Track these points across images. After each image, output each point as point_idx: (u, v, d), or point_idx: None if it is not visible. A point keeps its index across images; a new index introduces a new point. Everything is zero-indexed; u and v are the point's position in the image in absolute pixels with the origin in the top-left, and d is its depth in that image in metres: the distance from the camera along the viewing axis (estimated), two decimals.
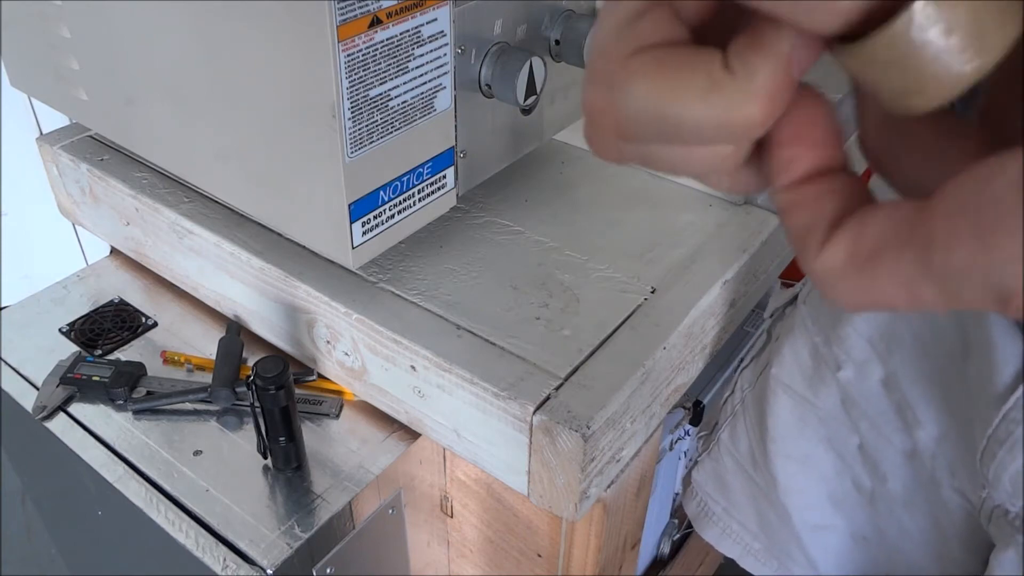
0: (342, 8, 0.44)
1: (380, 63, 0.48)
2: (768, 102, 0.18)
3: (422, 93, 0.52)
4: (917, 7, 0.15)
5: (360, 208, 0.51)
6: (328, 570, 0.61)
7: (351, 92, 0.47)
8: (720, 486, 0.69)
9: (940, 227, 0.16)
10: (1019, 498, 0.45)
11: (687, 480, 0.73)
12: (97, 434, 0.65)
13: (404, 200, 0.55)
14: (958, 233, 0.16)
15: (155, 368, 0.70)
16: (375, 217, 0.53)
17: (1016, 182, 0.15)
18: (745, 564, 0.68)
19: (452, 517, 0.74)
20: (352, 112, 0.47)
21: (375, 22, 0.46)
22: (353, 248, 0.53)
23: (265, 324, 0.69)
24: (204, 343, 0.73)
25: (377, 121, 0.49)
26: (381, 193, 0.53)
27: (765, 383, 0.62)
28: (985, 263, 0.16)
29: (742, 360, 0.70)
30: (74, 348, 0.72)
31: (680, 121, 0.19)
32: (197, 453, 0.63)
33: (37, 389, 0.68)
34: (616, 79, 0.20)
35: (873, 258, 0.18)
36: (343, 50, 0.45)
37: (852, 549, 0.61)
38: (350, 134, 0.48)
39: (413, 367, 0.57)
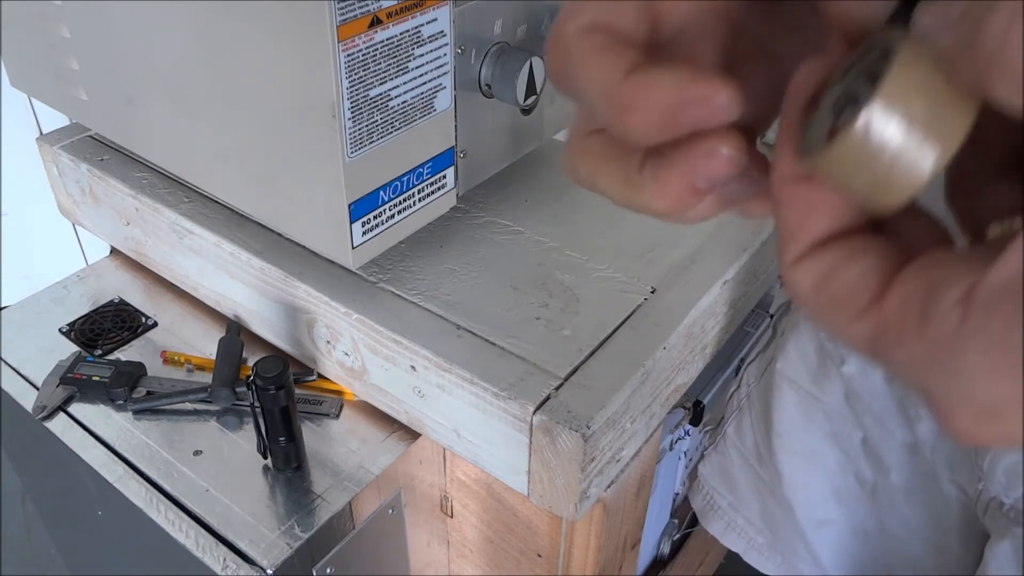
0: (342, 8, 0.44)
1: (380, 63, 0.48)
2: (673, 203, 0.20)
3: (422, 93, 0.52)
4: (875, 108, 0.16)
5: (360, 208, 0.51)
6: (328, 570, 0.61)
7: (351, 92, 0.47)
8: (726, 480, 0.69)
9: (891, 319, 0.17)
10: (1013, 489, 0.45)
11: (693, 474, 0.74)
12: (97, 434, 0.65)
13: (404, 200, 0.55)
14: (903, 339, 0.16)
15: (155, 368, 0.70)
16: (375, 217, 0.53)
17: (960, 304, 0.15)
18: (749, 559, 0.68)
19: (452, 517, 0.74)
20: (352, 112, 0.47)
21: (375, 22, 0.46)
22: (353, 248, 0.53)
23: (265, 324, 0.69)
24: (204, 343, 0.73)
25: (377, 121, 0.49)
26: (381, 193, 0.53)
27: (770, 378, 0.63)
28: (925, 375, 0.16)
29: (744, 358, 0.70)
30: (74, 348, 0.72)
31: (612, 199, 0.22)
32: (197, 453, 0.63)
33: (37, 389, 0.68)
34: (570, 153, 0.23)
35: (830, 307, 0.18)
36: (343, 50, 0.45)
37: (853, 542, 0.61)
38: (350, 134, 0.48)
39: (413, 367, 0.57)
